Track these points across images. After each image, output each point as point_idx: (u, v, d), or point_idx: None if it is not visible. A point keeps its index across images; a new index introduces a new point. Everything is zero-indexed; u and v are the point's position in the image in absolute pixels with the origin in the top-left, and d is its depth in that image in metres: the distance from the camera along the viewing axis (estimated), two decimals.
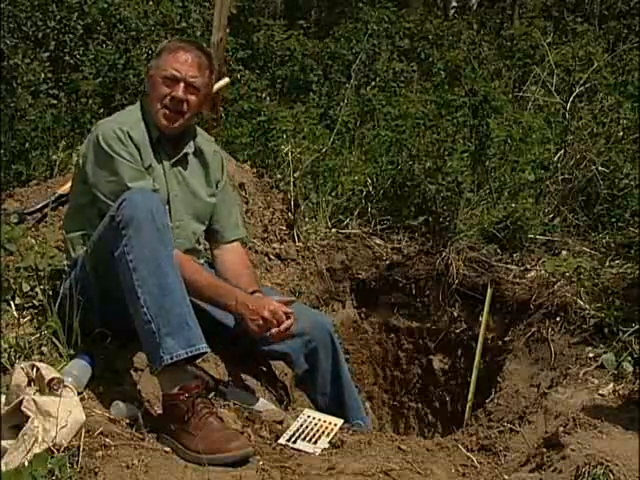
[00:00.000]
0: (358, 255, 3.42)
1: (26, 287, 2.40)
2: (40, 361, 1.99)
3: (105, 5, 5.42)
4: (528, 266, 3.21)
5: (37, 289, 2.37)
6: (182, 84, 2.22)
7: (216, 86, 3.14)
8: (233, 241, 2.44)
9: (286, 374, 2.64)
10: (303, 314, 2.51)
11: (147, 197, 2.00)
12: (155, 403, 2.06)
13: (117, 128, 2.18)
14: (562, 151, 3.75)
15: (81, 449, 1.72)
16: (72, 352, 2.10)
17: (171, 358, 1.89)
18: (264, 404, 2.26)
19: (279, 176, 3.67)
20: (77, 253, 2.23)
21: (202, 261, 2.44)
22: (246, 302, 2.15)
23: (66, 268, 2.28)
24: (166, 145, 2.30)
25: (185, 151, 2.33)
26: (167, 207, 2.26)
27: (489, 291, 3.11)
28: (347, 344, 3.20)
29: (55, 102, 4.67)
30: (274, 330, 2.16)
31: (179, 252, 2.13)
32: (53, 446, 1.69)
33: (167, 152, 2.30)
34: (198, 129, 2.43)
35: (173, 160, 2.31)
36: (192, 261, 2.21)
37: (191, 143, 2.35)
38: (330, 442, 2.05)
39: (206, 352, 1.98)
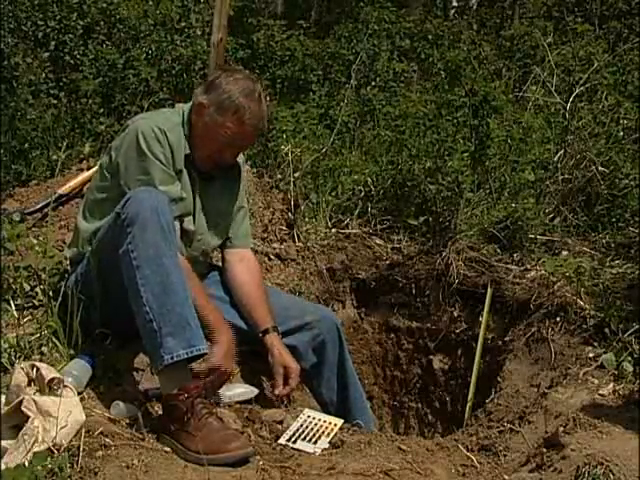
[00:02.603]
0: (358, 255, 3.42)
1: (26, 287, 2.40)
2: (40, 361, 1.99)
3: (105, 5, 5.42)
4: (528, 266, 3.20)
5: (37, 289, 2.37)
6: (235, 151, 2.25)
7: None
8: (242, 247, 2.43)
9: None
10: (310, 308, 2.55)
11: (153, 196, 1.99)
12: (155, 403, 2.06)
13: (157, 127, 2.16)
14: (562, 151, 3.75)
15: (81, 449, 1.72)
16: (72, 352, 2.10)
17: (172, 358, 1.88)
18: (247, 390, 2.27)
19: (279, 176, 3.67)
20: (86, 248, 2.22)
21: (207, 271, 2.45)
22: (224, 352, 2.08)
23: (68, 268, 2.27)
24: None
25: (216, 174, 2.32)
26: (191, 219, 2.26)
27: (489, 291, 3.11)
28: (347, 344, 3.20)
29: (55, 102, 4.67)
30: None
31: (185, 261, 2.11)
32: (53, 446, 1.69)
33: (199, 168, 2.28)
34: None
35: (203, 176, 2.29)
36: (195, 278, 2.15)
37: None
38: (330, 442, 2.05)
39: (206, 353, 1.98)
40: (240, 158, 2.45)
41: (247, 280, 2.37)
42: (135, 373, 2.17)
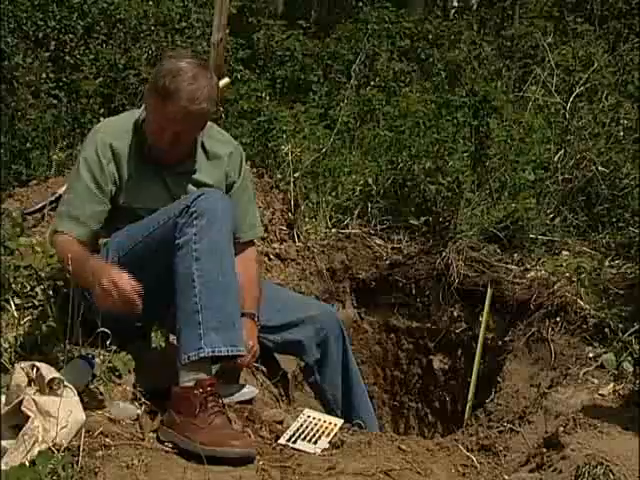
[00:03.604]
0: (358, 255, 3.42)
1: (26, 287, 2.40)
2: (40, 361, 1.99)
3: (105, 5, 5.42)
4: (528, 266, 3.21)
5: (37, 289, 2.37)
6: (168, 134, 2.11)
7: None
8: (246, 242, 2.37)
9: (286, 373, 2.65)
10: (312, 303, 2.58)
11: (225, 200, 2.05)
12: (155, 403, 2.06)
13: (101, 145, 2.14)
14: (562, 151, 3.75)
15: (81, 449, 1.72)
16: (72, 352, 2.10)
17: (212, 351, 1.90)
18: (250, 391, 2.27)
19: (279, 176, 3.67)
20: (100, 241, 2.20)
21: None
22: (93, 271, 1.93)
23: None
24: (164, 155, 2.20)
25: (185, 169, 2.23)
26: None
27: (489, 291, 3.11)
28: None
29: (55, 102, 4.68)
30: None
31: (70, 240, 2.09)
32: (53, 446, 1.69)
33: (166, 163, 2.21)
34: (213, 129, 2.30)
35: (176, 171, 2.21)
36: (72, 245, 2.09)
37: (196, 156, 2.24)
38: (330, 442, 2.05)
39: (244, 355, 2.02)
40: (232, 148, 2.33)
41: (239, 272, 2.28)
42: (135, 373, 2.17)
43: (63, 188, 3.22)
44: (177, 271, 1.96)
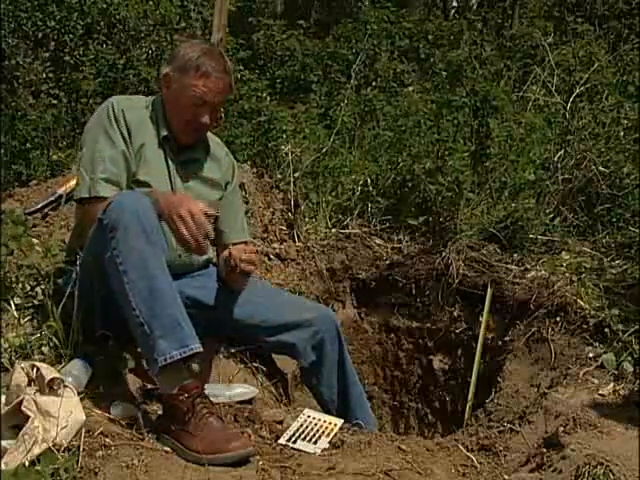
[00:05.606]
0: (358, 255, 3.42)
1: (26, 287, 2.39)
2: (40, 361, 1.99)
3: (105, 5, 5.42)
4: (528, 266, 3.20)
5: (37, 289, 2.37)
6: (209, 109, 2.25)
7: None
8: (238, 244, 2.39)
9: (286, 373, 2.65)
10: (308, 305, 2.56)
11: (134, 199, 1.98)
12: (155, 403, 2.06)
13: (116, 105, 2.21)
14: (562, 151, 3.75)
15: (81, 449, 1.72)
16: (72, 352, 2.10)
17: (165, 360, 1.88)
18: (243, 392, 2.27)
19: (279, 176, 3.67)
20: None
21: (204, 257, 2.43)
22: (164, 199, 2.02)
23: (72, 268, 2.26)
24: (174, 144, 2.30)
25: (195, 156, 2.35)
26: None
27: (489, 291, 3.11)
28: (347, 343, 3.20)
29: (55, 102, 4.68)
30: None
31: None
32: (53, 446, 1.69)
33: (174, 151, 2.30)
34: (208, 133, 2.42)
35: (180, 160, 2.31)
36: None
37: (201, 145, 2.37)
38: (330, 442, 2.05)
39: (200, 351, 1.96)
40: (227, 150, 2.47)
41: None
42: (135, 373, 2.16)
43: (63, 188, 3.22)
44: (114, 287, 1.95)
